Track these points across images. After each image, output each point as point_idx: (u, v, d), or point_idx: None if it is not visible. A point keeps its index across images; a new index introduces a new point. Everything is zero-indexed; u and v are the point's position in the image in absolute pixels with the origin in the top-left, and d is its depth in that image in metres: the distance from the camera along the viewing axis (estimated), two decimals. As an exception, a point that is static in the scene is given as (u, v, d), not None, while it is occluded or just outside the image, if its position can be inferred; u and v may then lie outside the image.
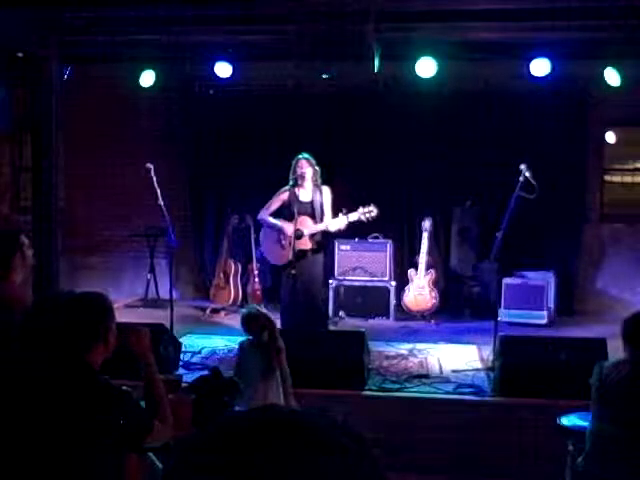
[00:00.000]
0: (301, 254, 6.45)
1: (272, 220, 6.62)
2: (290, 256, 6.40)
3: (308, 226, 6.45)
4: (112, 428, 2.54)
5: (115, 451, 2.57)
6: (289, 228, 6.47)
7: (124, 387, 2.88)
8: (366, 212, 6.39)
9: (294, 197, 6.49)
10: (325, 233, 6.63)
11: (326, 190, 6.54)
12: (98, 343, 2.72)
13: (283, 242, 6.54)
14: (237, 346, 4.79)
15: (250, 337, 4.60)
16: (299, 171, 6.47)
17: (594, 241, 8.85)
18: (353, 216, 6.40)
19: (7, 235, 4.12)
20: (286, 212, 6.58)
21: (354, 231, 8.22)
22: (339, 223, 6.45)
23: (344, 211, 6.46)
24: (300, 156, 6.52)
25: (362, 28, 6.20)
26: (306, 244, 6.46)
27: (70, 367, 2.64)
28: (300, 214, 6.43)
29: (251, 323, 4.54)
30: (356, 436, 0.95)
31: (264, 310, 4.75)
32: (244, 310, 4.81)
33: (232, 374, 4.40)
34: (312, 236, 6.49)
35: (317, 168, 6.54)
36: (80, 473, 2.50)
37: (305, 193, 6.54)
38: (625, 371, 3.56)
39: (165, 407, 3.00)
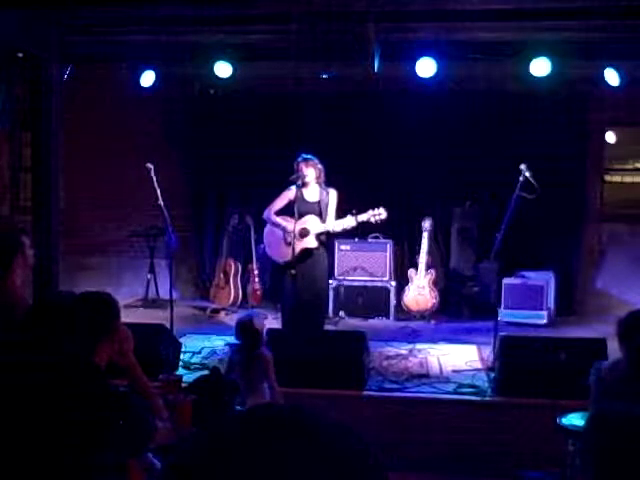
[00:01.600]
0: (305, 253, 6.45)
1: (276, 219, 6.63)
2: (290, 256, 6.40)
3: (315, 225, 6.45)
4: (114, 429, 2.54)
5: (118, 453, 2.56)
6: (292, 225, 6.49)
7: (123, 388, 2.89)
8: (376, 215, 6.39)
9: (299, 197, 6.49)
10: (329, 233, 6.63)
11: (332, 192, 6.54)
12: (104, 342, 2.72)
13: (288, 240, 6.53)
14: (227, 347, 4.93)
15: (239, 342, 4.72)
16: (300, 173, 6.47)
17: (594, 241, 8.85)
18: (362, 217, 6.40)
19: (8, 235, 4.13)
20: (290, 211, 6.59)
21: (354, 231, 8.23)
22: (347, 223, 6.44)
23: (354, 212, 6.45)
24: (300, 158, 6.52)
25: (362, 28, 6.20)
26: (311, 243, 6.45)
27: (72, 366, 2.64)
28: (306, 213, 6.44)
29: (242, 331, 4.64)
30: (358, 437, 0.95)
31: (260, 319, 4.86)
32: (240, 316, 4.96)
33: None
34: (318, 235, 6.48)
35: (320, 167, 6.52)
36: (81, 474, 2.50)
37: (311, 193, 6.53)
38: (622, 371, 3.56)
39: (157, 404, 3.01)
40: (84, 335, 2.71)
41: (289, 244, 6.51)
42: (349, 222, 6.43)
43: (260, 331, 4.69)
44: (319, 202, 6.51)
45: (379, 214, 6.39)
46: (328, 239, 6.75)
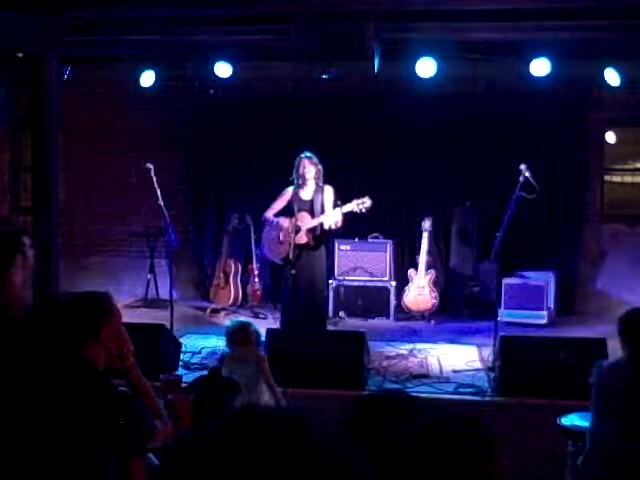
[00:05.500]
0: (299, 249, 6.47)
1: (272, 217, 6.68)
2: (290, 255, 6.41)
3: (306, 221, 6.50)
4: (112, 429, 2.54)
5: (116, 452, 2.56)
6: (286, 223, 6.53)
7: (122, 388, 2.88)
8: (359, 203, 6.42)
9: (296, 196, 6.55)
10: (326, 232, 6.64)
11: (328, 189, 6.58)
12: (90, 340, 2.70)
13: (281, 238, 6.60)
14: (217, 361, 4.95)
15: (229, 350, 4.75)
16: (301, 170, 6.51)
17: (594, 241, 8.85)
18: (347, 207, 6.44)
19: (8, 235, 4.12)
20: (288, 211, 6.63)
21: (354, 231, 8.23)
22: (334, 216, 6.48)
23: (339, 203, 6.51)
24: (303, 155, 6.54)
25: (362, 28, 6.20)
26: (302, 239, 6.49)
27: (70, 366, 2.64)
28: (299, 211, 6.48)
29: (233, 337, 4.68)
30: (351, 445, 0.95)
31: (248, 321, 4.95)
32: (228, 324, 5.00)
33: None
34: (310, 231, 6.51)
35: (320, 168, 6.56)
36: (80, 474, 2.50)
37: (307, 192, 6.58)
38: (624, 370, 3.55)
39: (156, 405, 3.01)
40: (67, 333, 2.68)
41: (282, 242, 6.57)
42: (336, 214, 6.47)
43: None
44: (312, 200, 6.56)
45: (363, 202, 6.42)
46: (327, 239, 6.76)
